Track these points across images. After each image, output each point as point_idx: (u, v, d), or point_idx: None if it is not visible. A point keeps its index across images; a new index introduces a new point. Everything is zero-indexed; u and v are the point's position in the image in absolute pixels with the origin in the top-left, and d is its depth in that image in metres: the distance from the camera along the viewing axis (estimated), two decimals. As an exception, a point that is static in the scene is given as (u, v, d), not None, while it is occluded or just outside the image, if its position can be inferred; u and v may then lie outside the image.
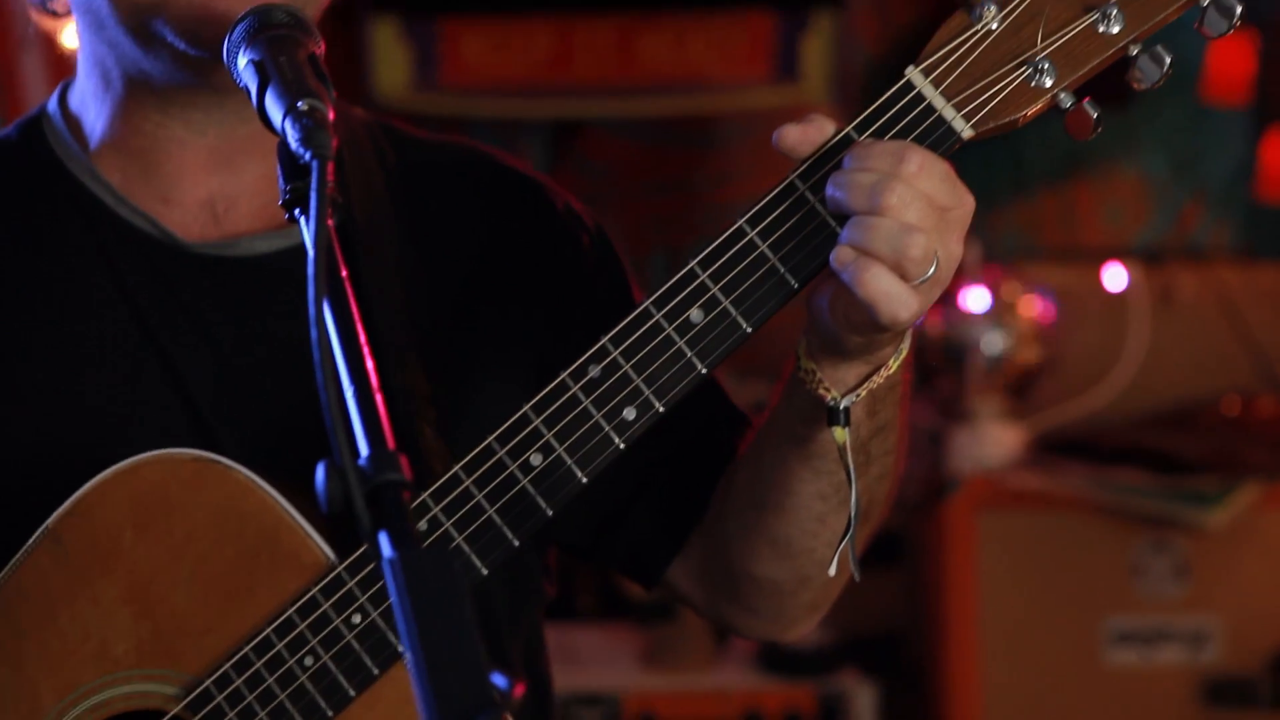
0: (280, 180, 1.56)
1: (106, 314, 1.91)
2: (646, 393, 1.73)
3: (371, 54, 5.31)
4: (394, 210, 1.98)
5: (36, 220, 1.93)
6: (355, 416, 1.29)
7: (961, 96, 1.69)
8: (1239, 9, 1.69)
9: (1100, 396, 5.12)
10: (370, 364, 1.34)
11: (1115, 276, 5.21)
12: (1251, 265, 5.51)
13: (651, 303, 1.72)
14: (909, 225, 1.61)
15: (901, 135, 1.68)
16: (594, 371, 1.73)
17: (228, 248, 1.92)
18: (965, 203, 1.67)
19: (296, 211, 1.54)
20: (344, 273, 1.42)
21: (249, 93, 1.62)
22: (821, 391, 1.77)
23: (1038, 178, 5.88)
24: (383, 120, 2.07)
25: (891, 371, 1.78)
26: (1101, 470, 4.71)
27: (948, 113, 1.69)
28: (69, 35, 5.27)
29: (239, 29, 1.68)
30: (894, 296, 1.63)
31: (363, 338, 1.35)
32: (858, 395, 1.77)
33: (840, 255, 1.63)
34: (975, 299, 4.84)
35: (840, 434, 1.77)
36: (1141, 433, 4.93)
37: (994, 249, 5.55)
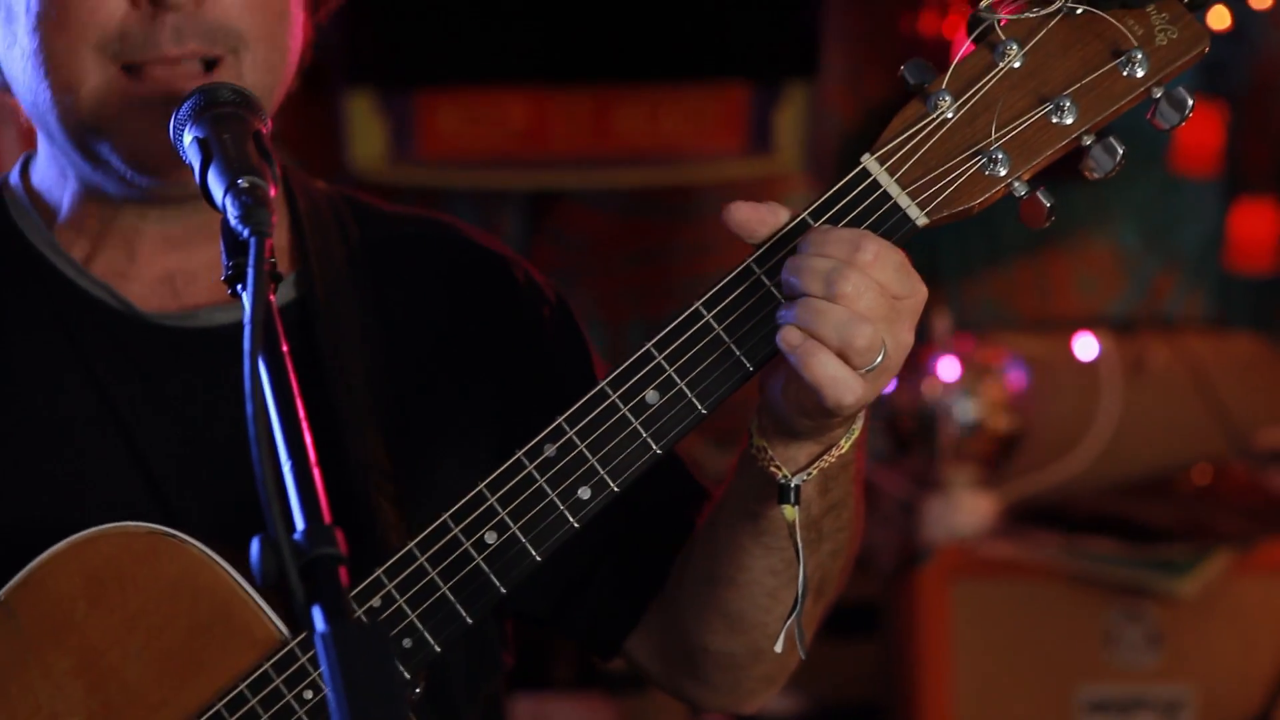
0: (223, 256, 1.57)
1: (66, 385, 1.90)
2: (601, 473, 1.73)
3: (347, 126, 5.34)
4: (356, 282, 1.98)
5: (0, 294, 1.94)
6: (291, 490, 1.30)
7: (916, 184, 1.70)
8: (1190, 102, 1.71)
9: (1072, 465, 5.12)
10: (309, 438, 1.34)
11: (1086, 346, 5.23)
12: (1223, 334, 5.53)
13: (607, 383, 1.73)
14: (857, 314, 1.62)
15: (857, 222, 1.69)
16: (549, 450, 1.74)
17: (187, 319, 1.92)
18: (917, 292, 1.68)
19: (239, 287, 1.55)
20: (284, 347, 1.43)
21: (193, 169, 1.63)
22: (773, 469, 1.78)
23: (1012, 248, 5.90)
24: (345, 193, 2.07)
25: (844, 451, 1.78)
26: (1074, 539, 4.71)
27: (903, 200, 1.70)
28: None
29: (185, 106, 1.69)
30: (839, 381, 1.64)
31: (301, 411, 1.36)
32: (809, 474, 1.77)
33: (787, 337, 1.65)
34: (947, 368, 4.85)
35: (790, 512, 1.78)
36: (1113, 501, 4.93)
37: (968, 318, 5.57)
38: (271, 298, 1.48)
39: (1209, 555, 4.61)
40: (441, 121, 5.49)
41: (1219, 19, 4.95)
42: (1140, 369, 5.26)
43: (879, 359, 1.65)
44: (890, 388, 1.74)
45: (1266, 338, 5.48)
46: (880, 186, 1.71)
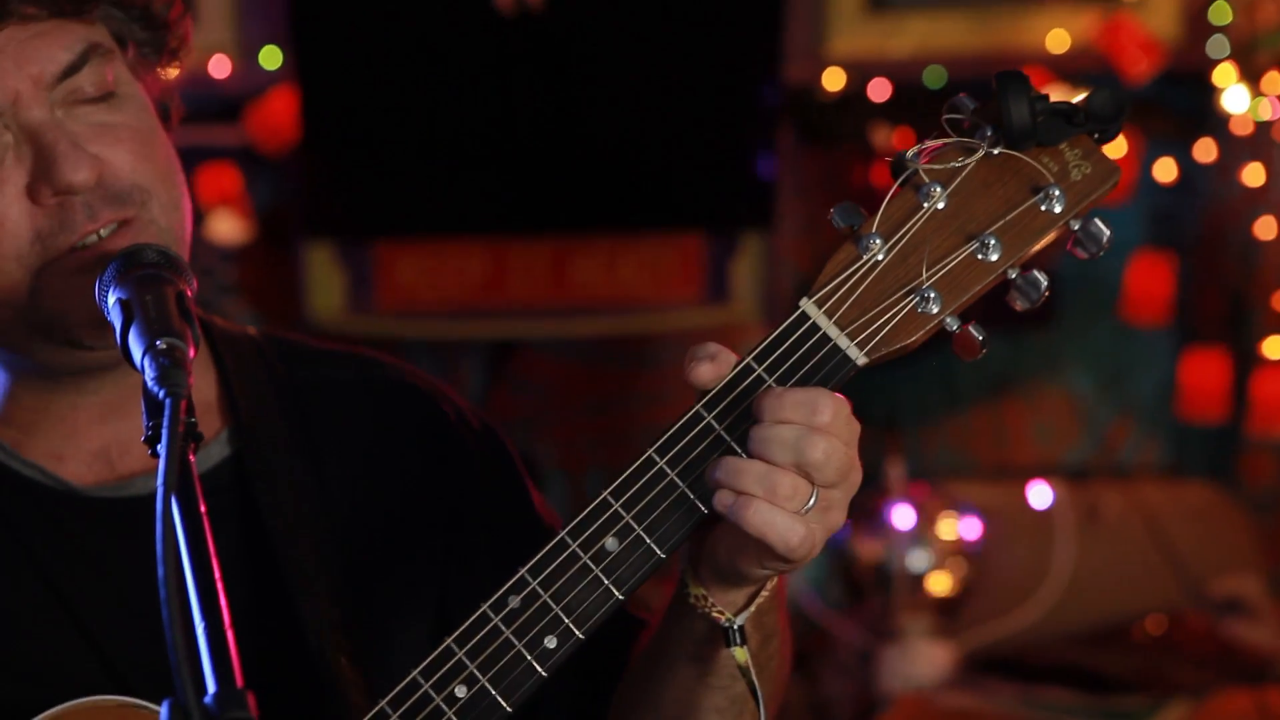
0: (144, 418, 1.57)
1: (9, 569, 1.88)
2: (566, 621, 1.74)
3: (307, 277, 5.35)
4: (290, 433, 1.97)
5: None
6: (204, 652, 1.28)
7: (854, 325, 1.72)
8: (1107, 234, 1.74)
9: (1028, 614, 5.10)
10: (224, 599, 1.33)
11: (1040, 494, 5.23)
12: (1177, 483, 5.54)
13: (567, 533, 1.74)
14: (774, 469, 1.65)
15: (798, 365, 1.72)
16: (514, 602, 1.74)
17: (122, 489, 1.91)
18: (857, 432, 1.71)
19: (159, 447, 1.55)
20: (202, 507, 1.42)
21: (114, 330, 1.63)
22: (715, 614, 1.78)
23: (969, 396, 5.92)
24: (274, 335, 2.07)
25: (774, 584, 1.80)
26: (1030, 689, 4.68)
27: (842, 342, 1.73)
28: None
29: (110, 269, 1.68)
30: (779, 525, 1.66)
31: (218, 573, 1.35)
32: (748, 612, 1.78)
33: (719, 499, 1.67)
34: (902, 516, 4.85)
35: (741, 654, 1.79)
36: (1070, 650, 4.91)
37: (924, 466, 5.57)
38: (191, 457, 1.47)
39: (1165, 705, 4.59)
40: (400, 272, 5.51)
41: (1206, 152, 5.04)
42: (1094, 517, 5.26)
43: (812, 500, 1.67)
44: (844, 531, 1.76)
45: (1220, 486, 5.49)
46: (820, 329, 1.74)
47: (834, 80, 5.48)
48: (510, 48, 5.16)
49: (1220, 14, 5.19)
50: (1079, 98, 1.77)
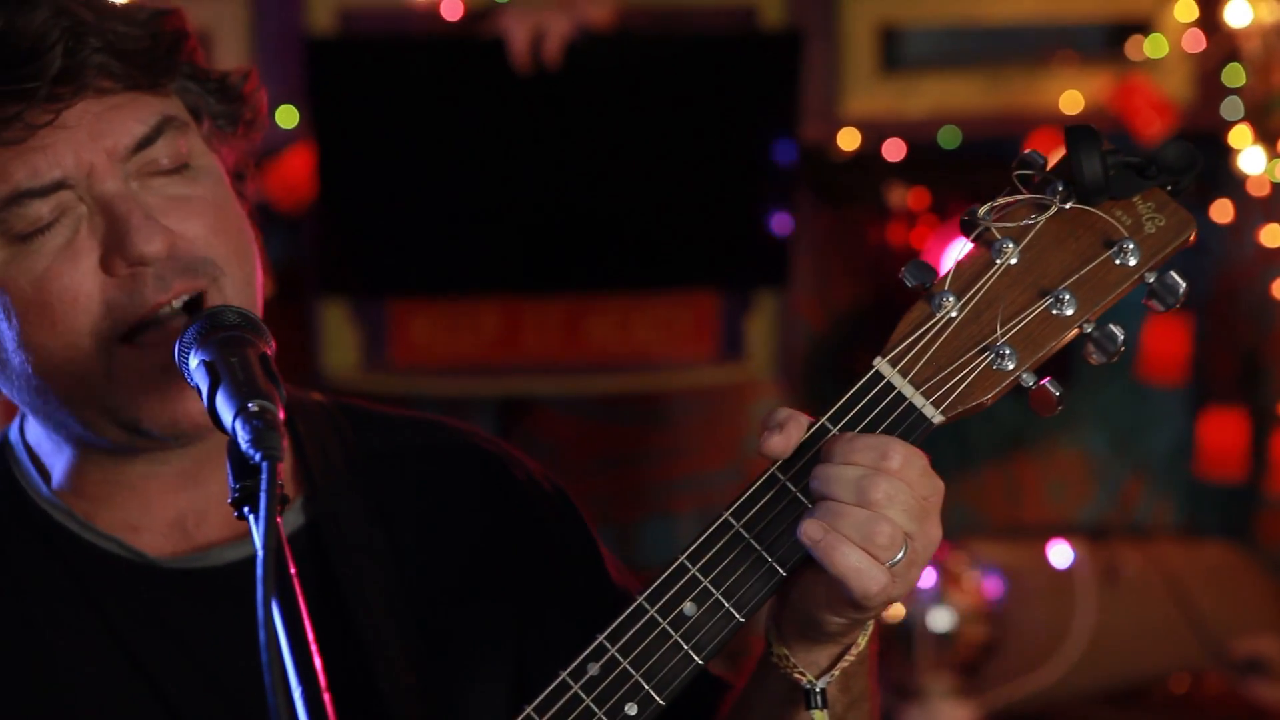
0: (230, 479, 1.56)
1: (89, 641, 1.87)
2: (647, 688, 1.72)
3: (321, 334, 5.34)
4: (362, 501, 1.96)
5: (10, 559, 1.90)
6: (302, 718, 1.27)
7: (929, 384, 1.72)
8: (1183, 286, 1.73)
9: (1050, 673, 5.07)
10: (319, 664, 1.32)
11: (1061, 554, 5.22)
12: (1194, 542, 5.52)
13: (645, 598, 1.73)
14: (879, 515, 1.64)
15: (875, 424, 1.71)
16: (593, 670, 1.73)
17: (198, 559, 1.90)
18: (939, 490, 1.70)
19: (245, 509, 1.53)
20: (292, 569, 1.41)
21: (199, 392, 1.61)
22: (796, 675, 1.77)
23: (981, 454, 5.92)
24: (341, 401, 2.05)
25: (861, 648, 1.78)
26: (1053, 750, 4.67)
27: (917, 400, 1.72)
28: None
29: (190, 330, 1.67)
30: (863, 572, 1.64)
31: (311, 637, 1.34)
32: (832, 676, 1.77)
33: (809, 531, 1.66)
34: (923, 575, 4.82)
35: (820, 717, 1.77)
36: (1092, 710, 4.88)
37: (970, 524, 5.56)
38: (279, 520, 1.47)
39: (1189, 766, 4.58)
40: (414, 330, 5.50)
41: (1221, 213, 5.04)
42: (1114, 577, 5.25)
43: (901, 554, 1.66)
44: (922, 581, 1.76)
45: (1238, 545, 5.48)
46: (894, 388, 1.73)
47: (849, 140, 5.49)
48: (526, 107, 5.16)
49: (1234, 76, 5.21)
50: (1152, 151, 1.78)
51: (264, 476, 1.44)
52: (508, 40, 5.03)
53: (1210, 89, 5.28)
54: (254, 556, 1.90)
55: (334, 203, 5.15)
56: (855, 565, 1.65)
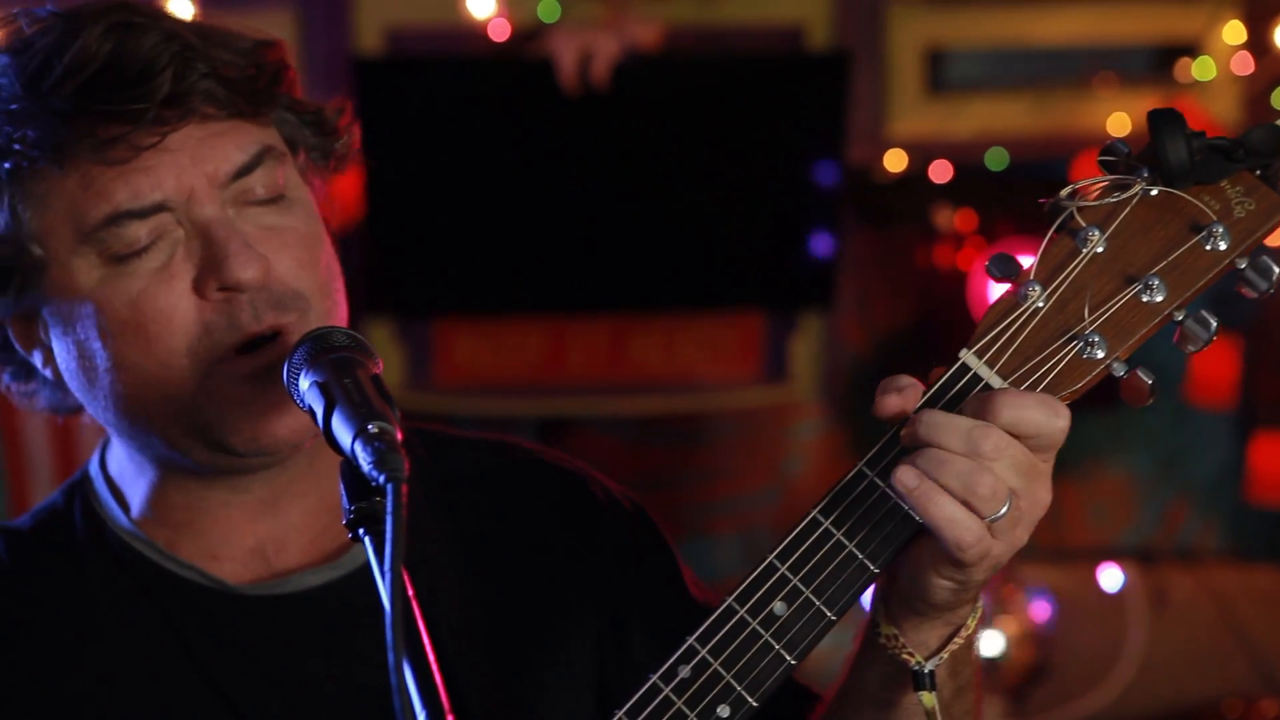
0: (344, 500, 1.55)
1: (171, 674, 1.86)
2: (739, 689, 1.69)
3: (366, 353, 5.33)
4: (437, 519, 1.96)
5: (92, 591, 1.89)
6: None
7: (1017, 374, 1.67)
8: (1277, 270, 1.71)
9: (1100, 698, 5.03)
10: (441, 684, 1.32)
11: (1111, 577, 5.19)
12: (1243, 567, 5.49)
13: (734, 599, 1.70)
14: (984, 466, 1.60)
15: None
16: (684, 672, 1.70)
17: (278, 586, 1.89)
18: (1047, 438, 1.64)
19: (360, 531, 1.52)
20: (410, 590, 1.40)
21: (313, 414, 1.60)
22: (905, 656, 1.73)
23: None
24: (417, 426, 2.06)
25: (970, 630, 1.74)
26: (1103, 774, 4.64)
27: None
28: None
29: (299, 352, 1.64)
30: (957, 522, 1.60)
31: (433, 662, 1.34)
32: (941, 657, 1.73)
33: (903, 478, 1.62)
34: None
35: (929, 699, 1.73)
36: (1143, 736, 4.88)
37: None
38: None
39: (1243, 792, 4.55)
40: (459, 349, 5.49)
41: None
42: (1163, 601, 5.22)
43: (1004, 509, 1.62)
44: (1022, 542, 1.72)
45: (1288, 570, 5.46)
46: (981, 379, 1.69)
47: (896, 161, 5.47)
48: (573, 128, 5.16)
49: (1283, 97, 5.20)
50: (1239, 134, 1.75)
51: (390, 499, 1.43)
52: (556, 61, 5.02)
53: (1259, 111, 5.24)
54: (334, 582, 1.89)
55: (380, 222, 5.14)
56: (949, 515, 1.61)
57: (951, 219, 5.36)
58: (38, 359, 1.88)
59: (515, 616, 1.94)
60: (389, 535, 1.38)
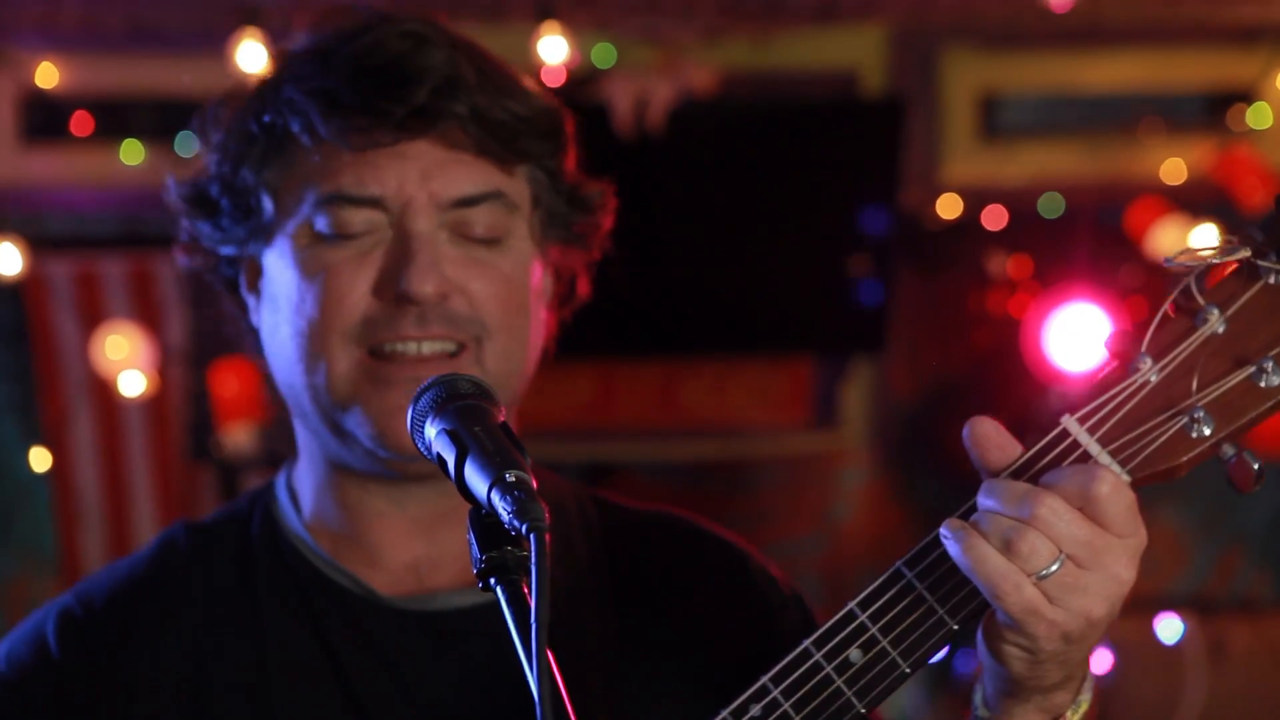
0: (474, 549, 1.52)
1: (311, 674, 1.89)
2: None
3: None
4: (596, 576, 1.96)
5: (256, 586, 1.94)
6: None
7: (1118, 443, 1.64)
8: None
9: (1161, 751, 5.01)
10: None
11: (1169, 627, 5.13)
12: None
13: (811, 642, 1.69)
14: (1028, 526, 1.58)
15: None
16: (755, 710, 1.69)
17: (428, 601, 1.91)
18: (1139, 533, 1.61)
19: (492, 581, 1.50)
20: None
21: (443, 464, 1.57)
22: None
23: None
24: (591, 491, 2.06)
25: (1077, 716, 1.70)
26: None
27: (1103, 458, 1.66)
28: (125, 383, 5.24)
29: (425, 398, 1.63)
30: (995, 570, 1.58)
31: (569, 707, 1.32)
32: None
33: (948, 525, 1.61)
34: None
35: None
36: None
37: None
38: (525, 590, 1.45)
39: None
40: (508, 392, 5.48)
41: None
42: (1222, 652, 5.17)
43: (1052, 566, 1.58)
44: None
45: (1345, 621, 5.40)
46: (1081, 445, 1.67)
47: (949, 207, 5.45)
48: (628, 172, 5.13)
49: (1339, 146, 5.18)
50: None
51: (533, 549, 1.40)
52: (611, 106, 5.02)
53: (1315, 158, 5.24)
54: (483, 606, 1.86)
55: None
56: (987, 561, 1.59)
57: (1005, 265, 5.34)
58: (251, 304, 1.95)
59: (653, 664, 1.95)
60: (534, 584, 1.36)
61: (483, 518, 1.50)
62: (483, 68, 1.87)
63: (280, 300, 1.90)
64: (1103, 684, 4.83)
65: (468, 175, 1.86)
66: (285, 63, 1.90)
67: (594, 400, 5.58)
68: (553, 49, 4.48)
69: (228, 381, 5.07)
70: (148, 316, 5.31)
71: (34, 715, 1.87)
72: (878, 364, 5.70)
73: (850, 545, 6.27)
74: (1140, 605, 5.38)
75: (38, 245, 5.12)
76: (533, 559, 1.39)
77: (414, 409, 1.64)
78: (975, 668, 1.78)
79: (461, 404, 1.60)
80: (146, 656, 1.90)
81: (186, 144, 5.48)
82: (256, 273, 1.93)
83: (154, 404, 5.30)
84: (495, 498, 1.47)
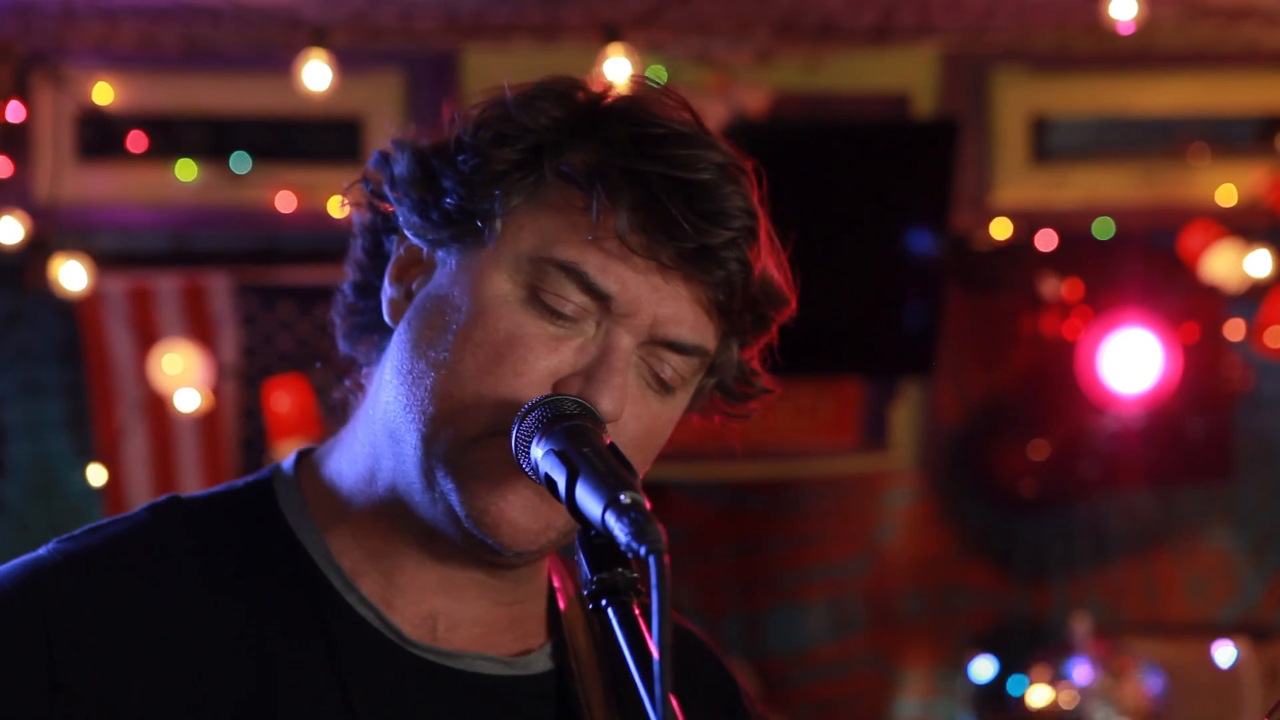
0: (584, 570, 1.52)
1: (322, 704, 1.76)
2: None
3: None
4: (594, 651, 1.92)
5: (264, 587, 1.80)
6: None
7: None
8: None
9: (1218, 778, 4.97)
10: None
11: (1225, 653, 5.10)
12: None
13: None
14: None
15: None
16: None
17: (453, 659, 1.80)
18: None
19: (603, 602, 1.48)
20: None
21: (552, 484, 1.55)
22: None
23: (1120, 550, 5.81)
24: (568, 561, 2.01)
25: None
26: None
27: None
28: (181, 400, 5.21)
29: (531, 418, 1.60)
30: None
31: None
32: None
33: None
34: (1082, 672, 4.73)
35: None
36: (1258, 815, 4.78)
37: (1101, 621, 5.45)
38: (637, 610, 1.43)
39: None
40: (556, 412, 5.46)
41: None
42: (1276, 676, 5.13)
43: None
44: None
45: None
46: None
47: (1001, 230, 5.43)
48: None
49: (1392, 171, 5.15)
50: None
51: (654, 571, 1.39)
52: (664, 126, 5.01)
53: (1367, 184, 5.21)
54: (507, 679, 1.82)
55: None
56: None
57: (1058, 288, 5.32)
58: (389, 293, 1.79)
59: None
60: (656, 606, 1.34)
61: (591, 539, 1.48)
62: (765, 230, 1.78)
63: (451, 330, 1.74)
64: (1156, 708, 4.80)
65: (691, 323, 1.73)
66: (593, 117, 1.74)
67: (642, 420, 5.56)
68: (618, 70, 4.47)
69: (280, 398, 5.07)
70: (200, 333, 5.30)
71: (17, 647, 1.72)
72: (926, 386, 5.68)
73: (894, 568, 6.25)
74: (1187, 630, 5.35)
75: (92, 262, 5.13)
76: (653, 581, 1.37)
77: (518, 428, 1.62)
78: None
79: (569, 424, 1.58)
80: (136, 631, 1.74)
81: (241, 163, 5.51)
82: (426, 271, 1.78)
83: (206, 421, 5.30)
84: (611, 519, 1.45)
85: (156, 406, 5.22)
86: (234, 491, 1.87)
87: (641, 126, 1.72)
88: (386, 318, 1.78)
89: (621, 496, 1.47)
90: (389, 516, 1.80)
